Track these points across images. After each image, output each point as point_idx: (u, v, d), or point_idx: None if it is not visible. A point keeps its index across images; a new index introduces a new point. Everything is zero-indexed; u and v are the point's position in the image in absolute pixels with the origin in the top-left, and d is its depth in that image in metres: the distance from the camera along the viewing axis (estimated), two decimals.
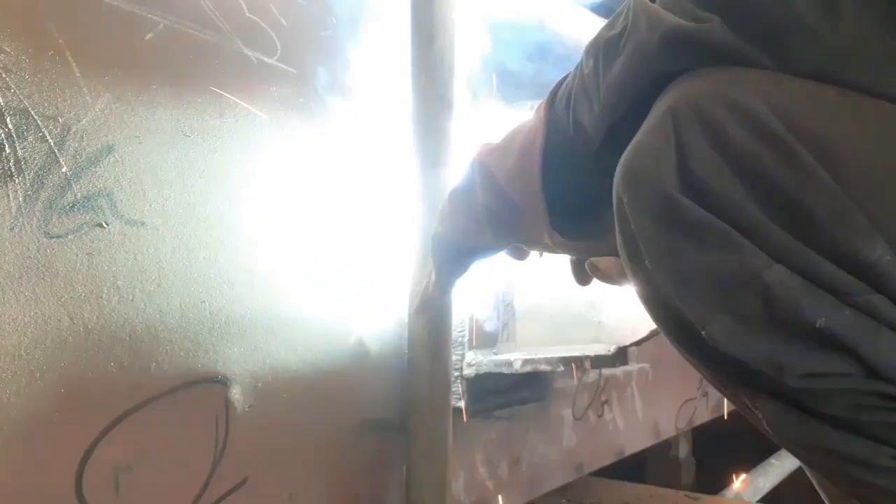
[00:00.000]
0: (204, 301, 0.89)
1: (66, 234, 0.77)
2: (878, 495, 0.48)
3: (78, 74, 0.78)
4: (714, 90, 0.51)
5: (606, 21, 0.63)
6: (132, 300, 0.82)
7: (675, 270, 0.50)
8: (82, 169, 0.78)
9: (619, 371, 1.75)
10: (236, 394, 0.92)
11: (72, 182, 0.77)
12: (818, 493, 0.60)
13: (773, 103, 0.48)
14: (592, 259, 0.89)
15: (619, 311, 1.65)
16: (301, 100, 1.03)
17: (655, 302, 0.53)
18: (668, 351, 0.57)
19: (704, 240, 0.48)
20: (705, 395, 2.22)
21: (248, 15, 0.97)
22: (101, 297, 0.79)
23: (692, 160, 0.49)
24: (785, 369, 0.47)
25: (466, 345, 1.27)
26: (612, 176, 0.55)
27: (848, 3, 0.46)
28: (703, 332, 0.49)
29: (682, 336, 0.52)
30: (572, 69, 0.68)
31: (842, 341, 0.45)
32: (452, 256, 0.86)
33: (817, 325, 0.45)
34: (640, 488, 1.85)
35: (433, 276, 0.90)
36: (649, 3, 0.57)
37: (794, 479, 2.26)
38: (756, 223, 0.47)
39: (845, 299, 0.45)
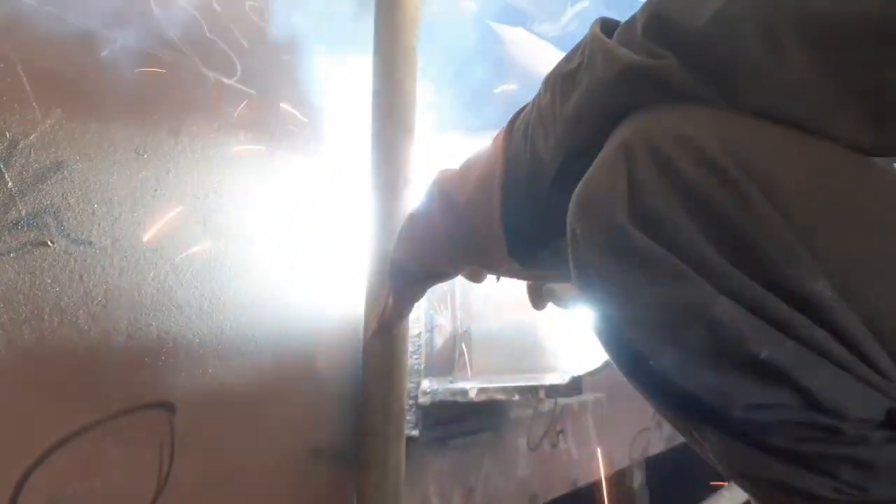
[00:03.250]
0: (151, 324, 0.87)
1: (8, 252, 0.74)
2: None
3: (28, 89, 0.76)
4: (667, 126, 0.52)
5: (565, 53, 0.64)
6: (76, 322, 0.79)
7: (625, 301, 0.51)
8: (28, 185, 0.76)
9: (574, 401, 1.76)
10: (182, 420, 0.89)
11: (16, 198, 0.75)
12: None
13: (724, 141, 0.49)
14: (549, 285, 0.90)
15: (575, 340, 1.66)
16: (259, 122, 1.03)
17: (606, 332, 0.54)
18: (623, 381, 0.57)
19: (653, 272, 0.49)
20: (659, 425, 2.24)
21: (207, 35, 0.96)
22: (43, 318, 0.77)
23: (643, 194, 0.50)
24: (730, 401, 0.47)
25: (422, 372, 1.26)
26: (567, 207, 0.56)
27: (793, 46, 0.48)
28: (651, 363, 0.50)
29: (632, 366, 0.53)
30: (530, 100, 0.69)
31: (783, 373, 0.46)
32: (410, 280, 0.86)
33: (761, 357, 0.45)
34: None
35: (390, 300, 0.89)
36: (606, 39, 0.58)
37: None
38: (704, 256, 0.48)
39: (788, 332, 0.46)
